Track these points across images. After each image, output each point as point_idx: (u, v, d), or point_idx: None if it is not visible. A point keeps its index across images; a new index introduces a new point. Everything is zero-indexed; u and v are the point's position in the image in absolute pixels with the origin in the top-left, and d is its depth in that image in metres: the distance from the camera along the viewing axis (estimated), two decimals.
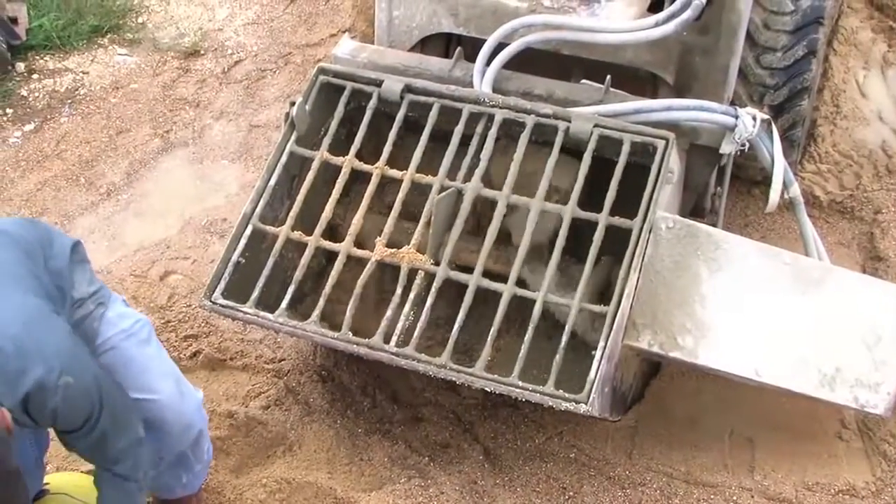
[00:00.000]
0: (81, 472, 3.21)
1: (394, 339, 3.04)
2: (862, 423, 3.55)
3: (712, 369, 3.20)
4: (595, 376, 2.89)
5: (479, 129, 3.33)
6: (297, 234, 3.23)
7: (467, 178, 3.25)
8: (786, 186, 3.46)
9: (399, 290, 3.09)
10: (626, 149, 3.20)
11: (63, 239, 2.72)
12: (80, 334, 2.60)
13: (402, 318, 3.07)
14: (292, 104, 3.39)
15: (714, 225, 3.68)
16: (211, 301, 3.15)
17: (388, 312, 3.07)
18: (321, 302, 3.11)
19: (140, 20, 5.44)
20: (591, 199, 3.19)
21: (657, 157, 3.18)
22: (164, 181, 4.62)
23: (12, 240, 2.54)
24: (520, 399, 2.95)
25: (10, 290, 2.42)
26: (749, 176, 4.21)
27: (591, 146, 3.22)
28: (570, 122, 3.27)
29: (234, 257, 3.20)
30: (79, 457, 2.71)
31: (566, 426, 3.60)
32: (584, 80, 3.58)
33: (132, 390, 2.70)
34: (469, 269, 3.13)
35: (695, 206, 3.77)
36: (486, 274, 3.12)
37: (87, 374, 2.46)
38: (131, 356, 2.77)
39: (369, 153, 3.37)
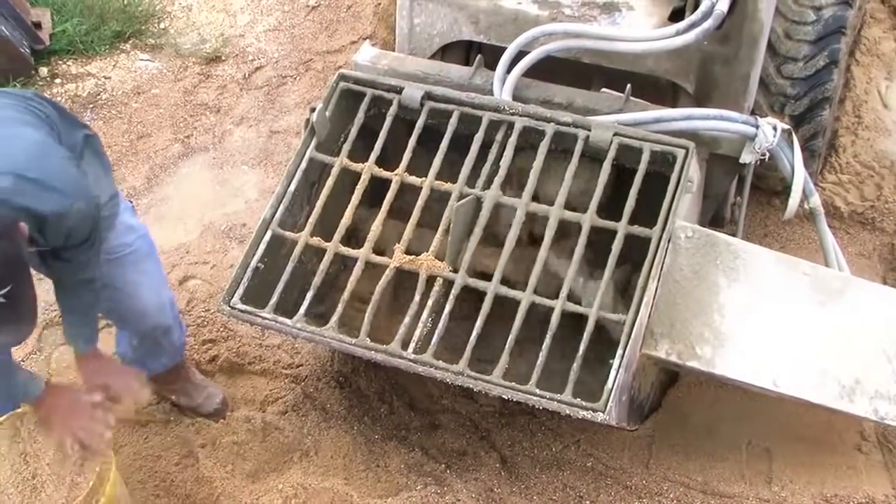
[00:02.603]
0: None
1: (411, 345, 3.04)
2: (882, 436, 3.54)
3: (730, 379, 3.19)
4: (612, 385, 2.87)
5: (499, 136, 3.33)
6: (316, 241, 3.23)
7: (486, 186, 3.26)
8: (806, 197, 3.44)
9: (417, 297, 3.10)
10: (645, 157, 3.19)
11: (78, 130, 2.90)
12: None
13: (420, 324, 3.07)
14: (312, 110, 3.40)
15: (733, 235, 3.66)
16: (230, 306, 3.15)
17: (406, 319, 3.07)
18: (339, 308, 3.11)
19: (162, 26, 5.47)
20: (611, 207, 3.19)
21: (677, 166, 3.17)
22: (184, 186, 4.64)
23: (20, 101, 2.71)
24: (537, 407, 2.94)
25: (17, 127, 2.59)
26: (769, 186, 4.21)
27: (611, 155, 3.22)
28: (589, 130, 3.26)
29: (253, 263, 3.21)
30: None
31: (583, 435, 3.59)
32: (604, 89, 3.58)
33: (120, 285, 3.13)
34: (488, 277, 3.14)
35: (714, 216, 3.76)
36: (505, 281, 3.12)
37: (90, 199, 2.68)
38: (128, 269, 3.14)
39: (389, 160, 3.37)
